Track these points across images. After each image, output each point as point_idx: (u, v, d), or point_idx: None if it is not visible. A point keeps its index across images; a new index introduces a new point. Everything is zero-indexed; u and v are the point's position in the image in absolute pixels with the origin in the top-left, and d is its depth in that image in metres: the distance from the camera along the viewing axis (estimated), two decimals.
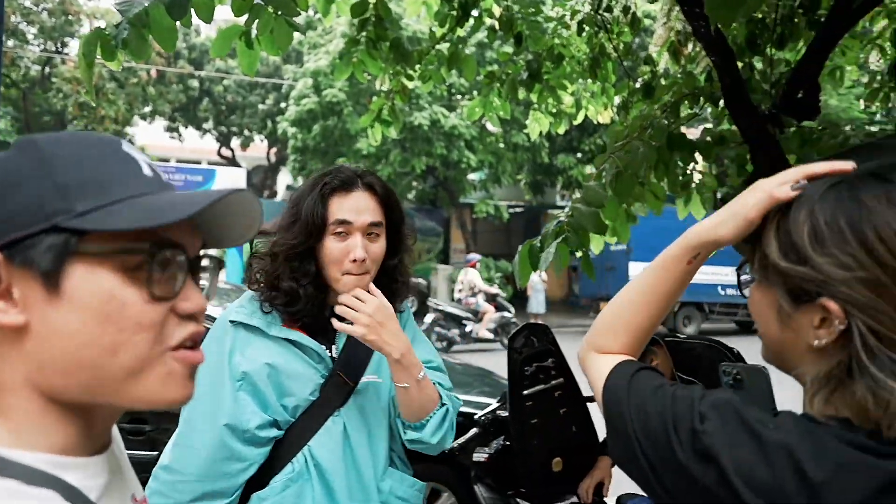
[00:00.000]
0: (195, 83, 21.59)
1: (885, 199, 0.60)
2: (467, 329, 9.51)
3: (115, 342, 0.48)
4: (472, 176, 14.06)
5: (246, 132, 23.35)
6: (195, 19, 1.89)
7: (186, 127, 23.38)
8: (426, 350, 1.36)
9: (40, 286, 0.47)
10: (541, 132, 4.04)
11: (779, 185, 0.67)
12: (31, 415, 0.48)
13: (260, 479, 1.18)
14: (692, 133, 2.83)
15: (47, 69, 19.44)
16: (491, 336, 9.59)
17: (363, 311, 1.14)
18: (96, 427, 0.52)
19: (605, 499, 2.16)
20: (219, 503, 1.15)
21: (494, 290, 10.72)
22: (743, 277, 0.77)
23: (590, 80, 3.54)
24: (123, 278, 0.48)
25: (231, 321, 1.21)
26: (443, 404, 1.27)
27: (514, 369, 1.95)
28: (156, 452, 1.31)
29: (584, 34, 3.24)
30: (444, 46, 3.23)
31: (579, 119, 3.94)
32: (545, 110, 3.88)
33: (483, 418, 2.20)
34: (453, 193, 13.74)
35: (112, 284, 0.48)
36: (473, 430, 2.17)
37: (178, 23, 1.84)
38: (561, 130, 4.02)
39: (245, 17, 2.00)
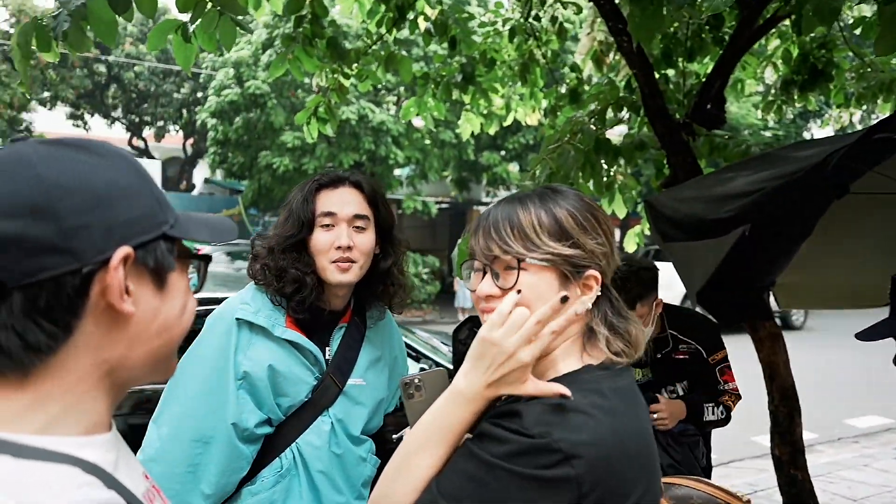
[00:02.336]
0: (102, 68, 20.30)
1: (586, 201, 0.86)
2: None
3: (184, 327, 0.61)
4: (398, 172, 14.09)
5: (160, 122, 22.17)
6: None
7: (92, 115, 21.90)
8: (406, 364, 1.51)
9: (150, 282, 0.56)
10: (473, 132, 4.18)
11: (525, 350, 0.75)
12: (80, 398, 0.53)
13: (249, 473, 1.23)
14: (613, 136, 3.05)
15: None
16: None
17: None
18: (113, 406, 0.59)
19: None
20: (223, 491, 1.19)
21: None
22: (475, 269, 0.86)
23: (519, 84, 3.72)
24: (184, 277, 0.61)
25: (237, 319, 1.24)
26: None
27: (459, 360, 2.06)
28: None
29: (514, 40, 3.40)
30: (377, 46, 3.30)
31: (509, 121, 4.12)
32: (477, 111, 4.02)
33: None
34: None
35: (185, 283, 0.61)
36: None
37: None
38: (492, 131, 4.18)
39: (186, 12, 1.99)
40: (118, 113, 22.14)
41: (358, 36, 9.79)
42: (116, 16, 1.81)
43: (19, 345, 0.49)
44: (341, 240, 1.26)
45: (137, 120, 22.32)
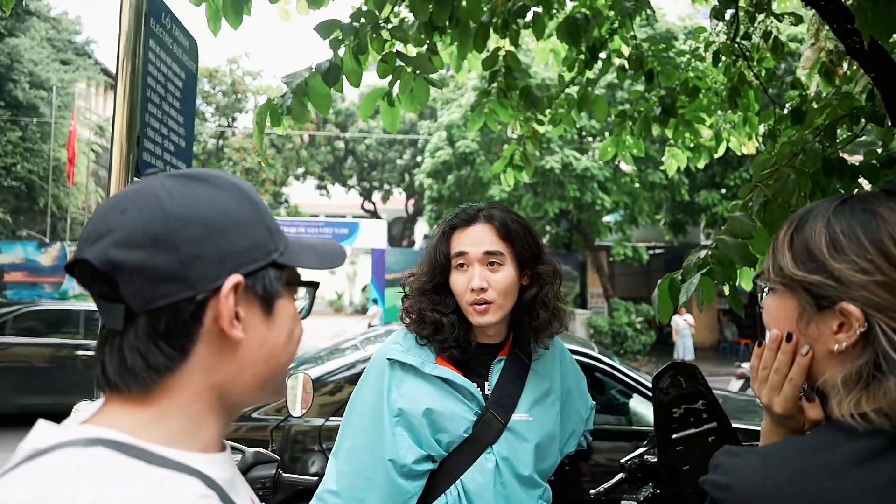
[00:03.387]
0: (341, 144, 23.57)
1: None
2: None
3: (291, 352, 0.62)
4: (607, 218, 13.73)
5: (386, 186, 24.89)
6: (345, 85, 2.12)
7: (333, 184, 25.49)
8: (586, 399, 1.41)
9: (259, 308, 0.58)
10: (679, 168, 3.90)
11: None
12: (196, 417, 0.56)
13: None
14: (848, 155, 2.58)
15: (220, 142, 22.31)
16: None
17: None
18: (226, 427, 0.61)
19: None
20: None
21: None
22: (760, 286, 0.77)
23: (730, 111, 3.39)
24: (292, 304, 0.62)
25: (388, 359, 1.29)
26: None
27: (660, 411, 1.86)
28: None
29: (720, 64, 3.13)
30: (573, 90, 3.28)
31: (720, 152, 3.76)
32: (682, 145, 3.76)
33: (630, 463, 2.10)
34: (588, 236, 13.48)
35: (292, 310, 0.62)
36: (619, 476, 2.08)
37: (331, 89, 2.08)
38: (700, 165, 3.85)
39: (388, 79, 2.20)
40: (353, 181, 25.39)
41: (547, 87, 9.97)
42: (330, 89, 2.08)
43: (142, 365, 0.53)
44: (473, 282, 1.23)
45: (368, 186, 25.32)
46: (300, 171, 23.73)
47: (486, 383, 1.29)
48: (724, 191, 13.38)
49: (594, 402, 1.48)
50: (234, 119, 22.99)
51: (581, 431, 1.43)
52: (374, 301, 14.78)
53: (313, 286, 0.65)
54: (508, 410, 1.25)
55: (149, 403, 0.54)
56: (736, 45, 3.02)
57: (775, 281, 0.71)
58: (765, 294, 0.75)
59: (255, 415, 3.33)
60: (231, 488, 0.56)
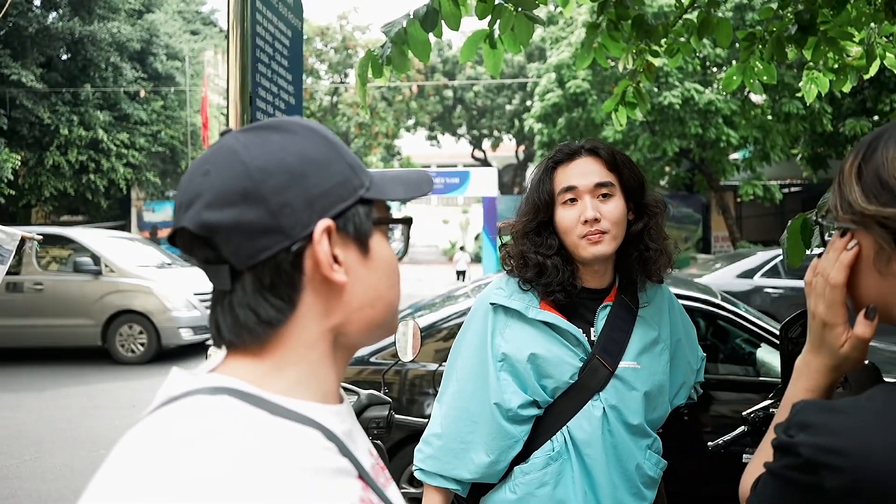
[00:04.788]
0: (449, 93, 23.47)
1: None
2: None
3: (396, 293, 0.62)
4: (734, 155, 12.65)
5: (496, 133, 24.60)
6: (445, 31, 2.07)
7: (443, 134, 25.63)
8: (696, 350, 1.37)
9: (356, 249, 0.57)
10: (820, 94, 3.46)
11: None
12: (313, 366, 0.57)
13: (521, 452, 1.24)
14: None
15: (334, 98, 23.05)
16: None
17: None
18: (341, 376, 0.62)
19: None
20: (495, 470, 1.23)
21: None
22: (825, 227, 0.71)
23: (886, 22, 2.93)
24: (386, 242, 0.61)
25: (491, 303, 1.28)
26: None
27: (788, 362, 1.72)
28: None
29: None
30: (692, 15, 2.98)
31: (872, 72, 3.28)
32: (824, 67, 3.32)
33: (753, 416, 1.98)
34: (712, 176, 12.54)
35: (388, 247, 0.61)
36: (741, 428, 1.97)
37: (430, 35, 2.04)
38: (846, 89, 3.39)
39: (488, 20, 2.12)
40: (463, 130, 25.35)
41: (665, 15, 9.16)
42: (428, 34, 2.05)
43: (255, 320, 0.54)
44: (587, 213, 1.18)
45: (478, 134, 25.18)
46: (410, 122, 24.05)
47: (592, 329, 1.25)
48: (876, 118, 11.78)
49: (704, 354, 1.41)
50: (346, 75, 23.61)
51: (692, 383, 1.37)
52: (462, 248, 15.91)
53: (407, 222, 0.64)
54: (616, 357, 1.22)
55: (266, 355, 0.56)
56: None
57: (845, 220, 0.64)
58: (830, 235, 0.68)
59: (373, 359, 3.53)
60: (350, 440, 0.57)
